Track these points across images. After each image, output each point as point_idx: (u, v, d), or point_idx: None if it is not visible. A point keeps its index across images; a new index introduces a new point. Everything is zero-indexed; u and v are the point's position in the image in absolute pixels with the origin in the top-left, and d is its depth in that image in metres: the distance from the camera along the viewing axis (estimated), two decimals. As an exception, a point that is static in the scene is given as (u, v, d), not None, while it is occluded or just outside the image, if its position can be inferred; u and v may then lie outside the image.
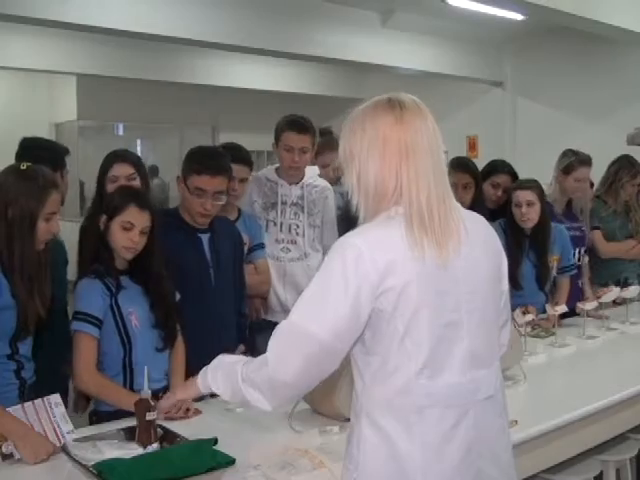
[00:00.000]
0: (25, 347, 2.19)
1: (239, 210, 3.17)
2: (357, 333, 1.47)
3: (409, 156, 1.48)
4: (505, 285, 1.64)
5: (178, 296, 2.47)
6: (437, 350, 1.46)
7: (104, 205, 2.36)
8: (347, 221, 3.54)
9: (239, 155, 3.08)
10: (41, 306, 2.15)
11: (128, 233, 2.30)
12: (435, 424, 1.46)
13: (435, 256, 1.45)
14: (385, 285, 1.42)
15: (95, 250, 2.34)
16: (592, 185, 4.39)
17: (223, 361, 1.70)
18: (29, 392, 2.19)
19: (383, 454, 1.47)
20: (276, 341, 1.51)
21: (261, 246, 3.19)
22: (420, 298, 1.44)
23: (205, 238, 2.71)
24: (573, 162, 3.82)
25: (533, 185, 3.44)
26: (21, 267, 2.09)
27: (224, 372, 1.65)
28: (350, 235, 1.49)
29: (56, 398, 2.09)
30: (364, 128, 1.52)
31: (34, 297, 2.12)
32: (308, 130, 3.29)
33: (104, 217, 2.32)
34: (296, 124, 3.25)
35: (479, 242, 1.57)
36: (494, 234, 1.64)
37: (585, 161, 3.88)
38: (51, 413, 2.04)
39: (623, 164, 4.24)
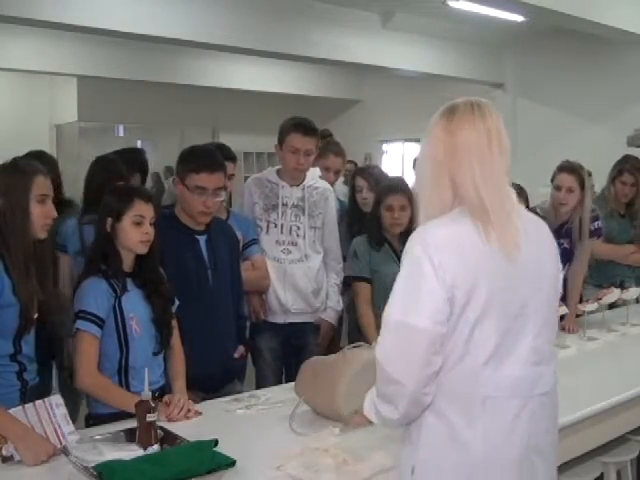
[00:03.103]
0: (28, 347, 2.19)
1: (228, 210, 3.19)
2: (454, 314, 1.50)
3: (454, 157, 1.56)
4: (560, 289, 1.71)
5: (177, 302, 2.48)
6: (504, 342, 1.52)
7: (106, 209, 2.36)
8: (350, 224, 3.52)
9: (224, 152, 3.10)
10: (40, 300, 2.16)
11: (141, 227, 2.31)
12: (498, 415, 1.51)
13: (501, 251, 1.52)
14: (458, 277, 1.49)
15: (102, 252, 2.33)
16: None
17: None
18: (31, 394, 2.18)
19: (445, 442, 1.52)
20: (381, 341, 1.54)
21: (255, 242, 3.21)
22: (491, 291, 1.50)
23: (202, 239, 2.72)
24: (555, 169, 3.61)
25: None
26: (17, 257, 2.10)
27: (370, 395, 1.65)
28: (426, 226, 1.56)
29: (57, 399, 2.08)
30: (425, 135, 1.64)
31: (32, 285, 2.13)
32: (314, 132, 3.30)
33: (109, 220, 2.32)
34: (302, 126, 3.26)
35: (542, 243, 1.65)
36: (553, 238, 1.71)
37: (564, 167, 3.56)
38: (52, 414, 2.04)
39: (618, 162, 4.23)
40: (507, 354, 1.52)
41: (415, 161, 1.70)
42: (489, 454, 1.50)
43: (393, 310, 1.53)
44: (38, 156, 3.01)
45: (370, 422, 1.71)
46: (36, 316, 2.17)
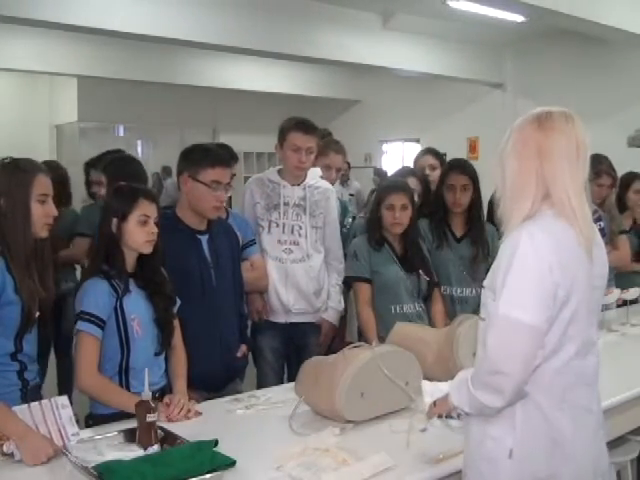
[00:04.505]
0: (29, 346, 2.19)
1: (227, 210, 3.20)
2: (554, 311, 1.61)
3: (546, 156, 1.65)
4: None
5: (179, 302, 2.48)
6: (587, 334, 1.69)
7: (110, 209, 2.35)
8: (369, 223, 3.48)
9: (230, 152, 3.17)
10: (42, 299, 2.17)
11: (146, 227, 2.31)
12: (581, 399, 1.69)
13: (586, 252, 1.66)
14: (562, 276, 1.60)
15: (104, 252, 2.33)
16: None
17: (457, 377, 1.78)
18: (32, 394, 2.18)
19: (540, 426, 1.65)
20: (492, 337, 1.63)
21: (253, 242, 3.22)
22: (581, 289, 1.64)
23: (204, 239, 2.73)
24: None
25: None
26: (18, 256, 2.10)
27: (459, 385, 1.74)
28: (529, 228, 1.63)
29: (63, 400, 2.08)
30: (512, 133, 1.72)
31: (33, 284, 2.13)
32: (314, 131, 3.31)
33: (115, 220, 2.31)
34: (303, 125, 3.27)
35: (601, 245, 1.79)
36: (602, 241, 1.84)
37: None
38: (57, 415, 2.03)
39: (591, 164, 4.07)
40: (589, 344, 1.70)
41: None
42: (576, 434, 1.66)
43: (502, 305, 1.61)
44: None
45: (448, 410, 1.81)
46: (37, 314, 2.17)
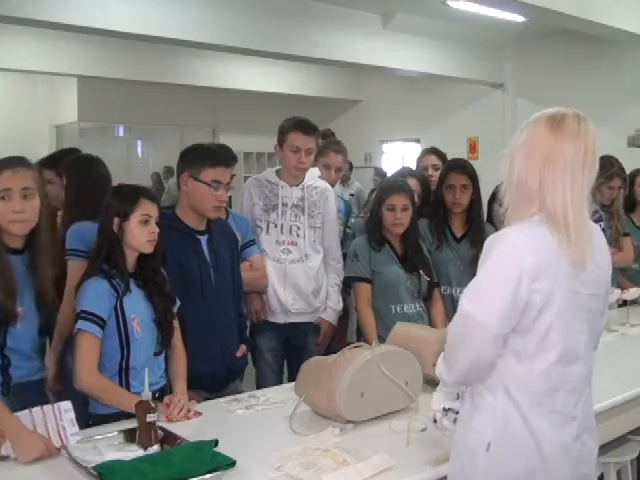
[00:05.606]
0: (15, 341, 2.17)
1: (227, 211, 3.20)
2: (515, 321, 1.63)
3: (551, 163, 1.65)
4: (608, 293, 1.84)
5: (178, 303, 2.48)
6: (572, 341, 1.68)
7: (111, 209, 2.35)
8: (369, 224, 3.49)
9: (230, 152, 3.16)
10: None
11: (147, 227, 2.32)
12: (562, 405, 1.68)
13: (573, 259, 1.64)
14: (538, 282, 1.61)
15: (105, 252, 2.33)
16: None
17: None
18: (15, 391, 2.16)
19: (518, 424, 1.66)
20: (454, 325, 1.71)
21: (253, 242, 3.23)
22: (563, 295, 1.64)
23: (204, 239, 2.73)
24: None
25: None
26: None
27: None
28: (511, 231, 1.67)
29: (66, 405, 2.08)
30: (525, 131, 1.72)
31: (10, 279, 2.12)
32: (314, 131, 3.32)
33: (116, 220, 2.32)
34: (303, 125, 3.28)
35: (602, 250, 1.78)
36: (607, 244, 1.83)
37: None
38: (59, 417, 2.03)
39: (600, 165, 4.02)
40: (575, 351, 1.68)
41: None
42: (555, 438, 1.66)
43: (467, 301, 1.66)
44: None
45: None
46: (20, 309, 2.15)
